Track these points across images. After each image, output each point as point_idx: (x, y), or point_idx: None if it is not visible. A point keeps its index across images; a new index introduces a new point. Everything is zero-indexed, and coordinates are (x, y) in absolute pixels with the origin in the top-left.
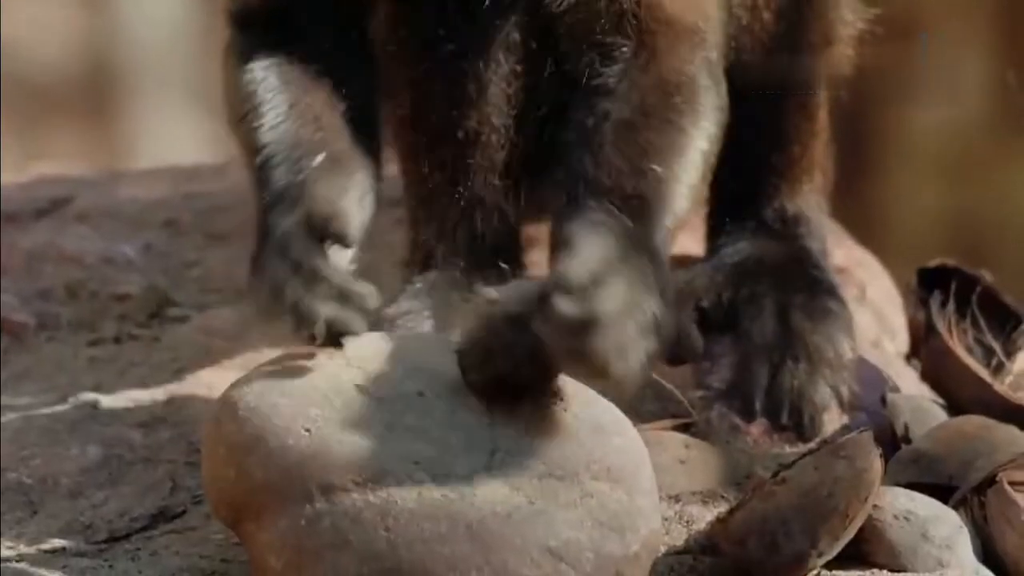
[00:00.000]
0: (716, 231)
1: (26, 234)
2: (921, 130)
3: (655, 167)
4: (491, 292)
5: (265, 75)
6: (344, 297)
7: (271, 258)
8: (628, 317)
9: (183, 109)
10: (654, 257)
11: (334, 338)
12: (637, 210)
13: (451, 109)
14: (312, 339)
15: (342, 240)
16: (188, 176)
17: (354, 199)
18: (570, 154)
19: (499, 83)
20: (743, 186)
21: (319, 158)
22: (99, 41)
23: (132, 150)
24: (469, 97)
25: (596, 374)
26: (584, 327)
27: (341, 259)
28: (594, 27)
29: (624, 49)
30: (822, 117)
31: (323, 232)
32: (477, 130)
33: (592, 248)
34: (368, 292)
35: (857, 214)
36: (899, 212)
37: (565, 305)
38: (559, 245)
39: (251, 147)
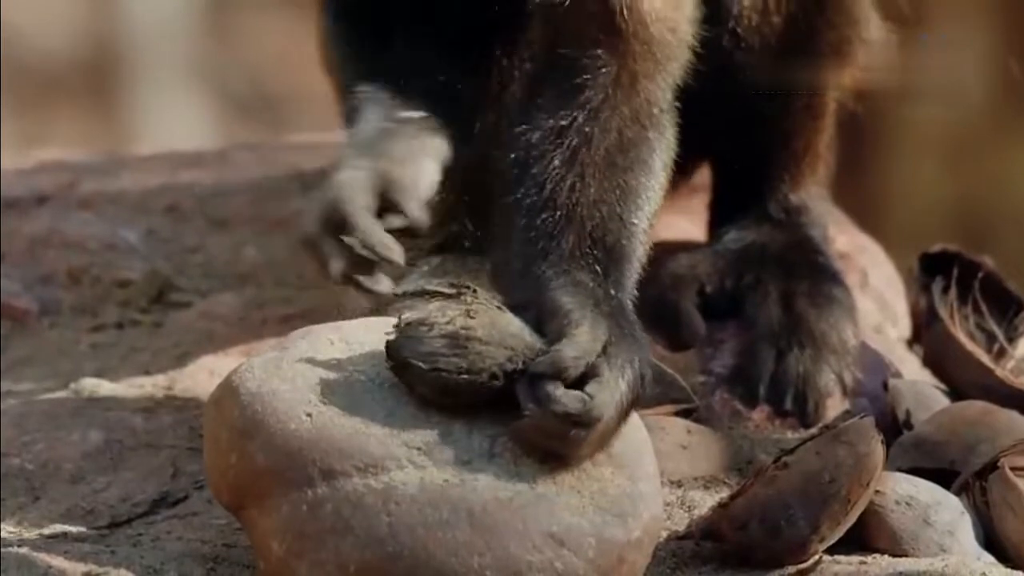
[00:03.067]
0: (719, 218)
1: (28, 220)
2: (922, 116)
3: (633, 217)
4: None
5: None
6: (367, 256)
7: (324, 193)
8: (617, 410)
9: (185, 93)
10: (626, 312)
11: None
12: (616, 263)
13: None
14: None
15: (397, 207)
16: (190, 161)
17: (424, 171)
18: (549, 176)
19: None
20: (748, 177)
21: (408, 115)
22: (101, 26)
23: (134, 135)
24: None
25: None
26: (576, 421)
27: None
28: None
29: (604, 69)
30: (829, 115)
31: (383, 192)
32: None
33: (583, 329)
34: (395, 253)
35: (859, 200)
36: (901, 198)
37: (563, 398)
38: (547, 313)
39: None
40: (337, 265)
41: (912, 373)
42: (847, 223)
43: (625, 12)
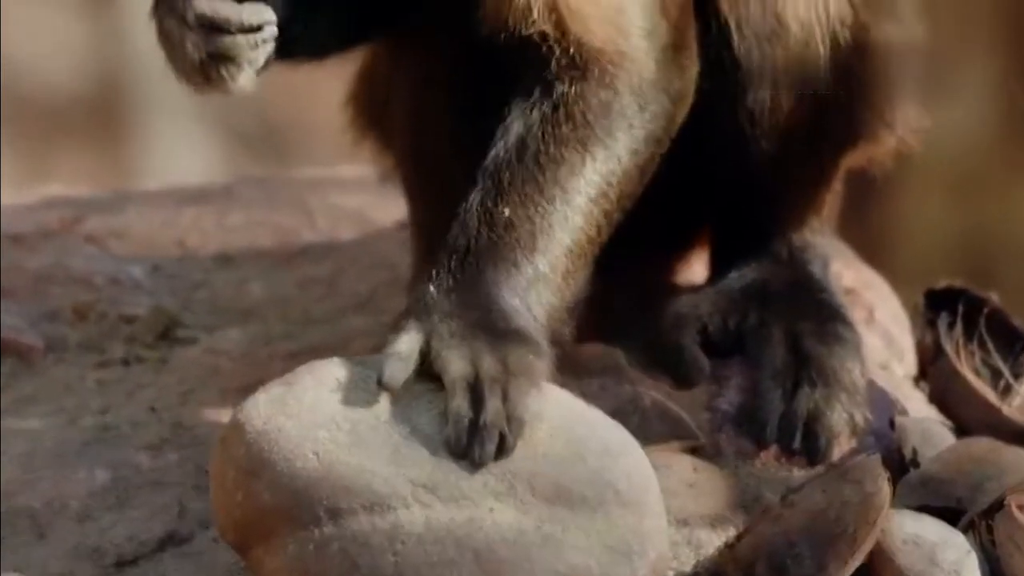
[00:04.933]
0: (721, 256)
1: (33, 255)
2: (928, 151)
3: (541, 233)
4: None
5: None
6: (220, 29)
7: (162, 12)
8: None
9: (191, 128)
10: (499, 317)
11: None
12: (509, 274)
13: (455, 133)
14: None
15: None
16: (196, 196)
17: None
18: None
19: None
20: (752, 218)
21: None
22: (106, 60)
23: (140, 169)
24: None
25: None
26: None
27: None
28: (524, 56)
29: (537, 84)
30: (842, 166)
31: None
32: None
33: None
34: (249, 18)
35: (865, 235)
36: (907, 233)
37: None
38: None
39: None
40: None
41: (918, 410)
42: (853, 258)
43: (554, 35)
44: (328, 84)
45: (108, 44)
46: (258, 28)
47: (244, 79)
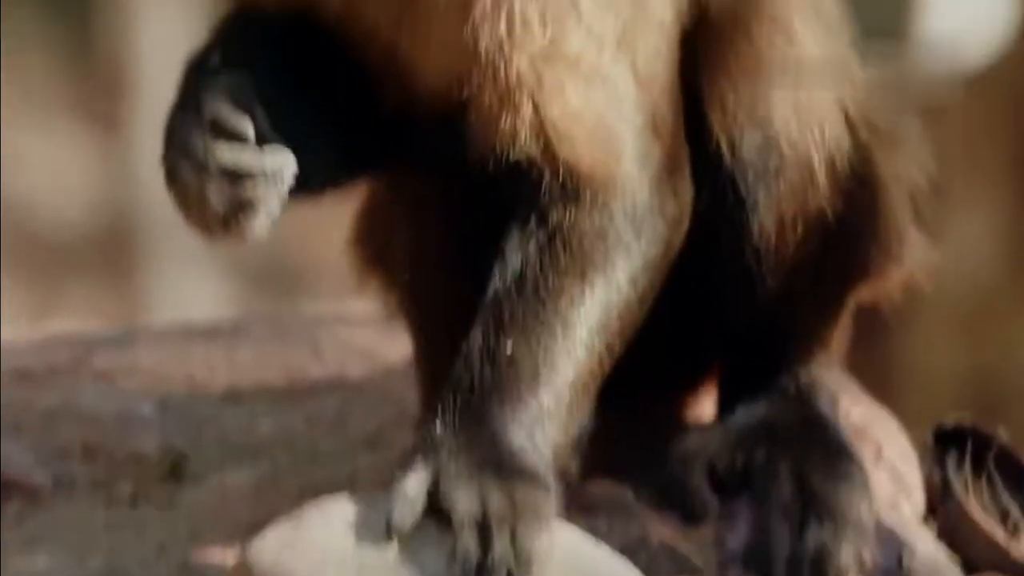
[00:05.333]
0: (729, 392)
1: (42, 392)
2: (937, 287)
3: (542, 367)
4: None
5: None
6: (241, 178)
7: (176, 160)
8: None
9: (200, 264)
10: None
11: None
12: (514, 408)
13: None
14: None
15: (238, 137)
16: (205, 332)
17: (249, 94)
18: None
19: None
20: (758, 353)
21: (213, 60)
22: (115, 195)
23: (149, 305)
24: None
25: None
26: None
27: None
28: (516, 183)
29: (531, 213)
30: (849, 301)
31: (219, 133)
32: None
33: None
34: (272, 165)
35: (874, 371)
36: (915, 370)
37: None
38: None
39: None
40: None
41: (927, 547)
42: (861, 394)
43: (543, 159)
44: (335, 219)
45: (117, 179)
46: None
47: (261, 225)
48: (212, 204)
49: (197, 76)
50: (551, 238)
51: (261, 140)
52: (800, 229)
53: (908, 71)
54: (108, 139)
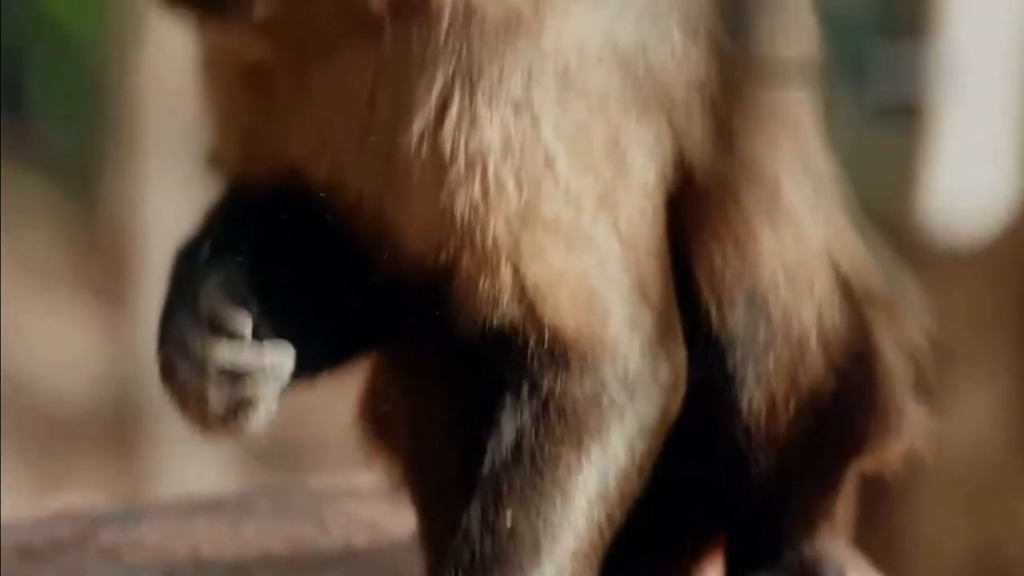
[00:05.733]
0: (734, 565)
1: (45, 568)
2: (940, 459)
3: (543, 541)
4: None
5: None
6: (242, 376)
7: (173, 358)
8: None
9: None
10: None
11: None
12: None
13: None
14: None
15: (237, 335)
16: (210, 506)
17: (244, 287)
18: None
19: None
20: (760, 526)
21: (205, 251)
22: (119, 371)
23: (153, 479)
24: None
25: None
26: None
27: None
28: (504, 349)
29: (522, 380)
30: (848, 474)
31: (218, 331)
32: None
33: None
34: (272, 362)
35: (880, 543)
36: (922, 542)
37: None
38: None
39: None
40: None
41: None
42: (867, 568)
43: (527, 323)
44: (339, 393)
45: (121, 353)
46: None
47: (260, 421)
48: (211, 403)
49: (190, 267)
50: (544, 406)
51: (258, 334)
52: (792, 406)
53: (911, 240)
54: (112, 313)
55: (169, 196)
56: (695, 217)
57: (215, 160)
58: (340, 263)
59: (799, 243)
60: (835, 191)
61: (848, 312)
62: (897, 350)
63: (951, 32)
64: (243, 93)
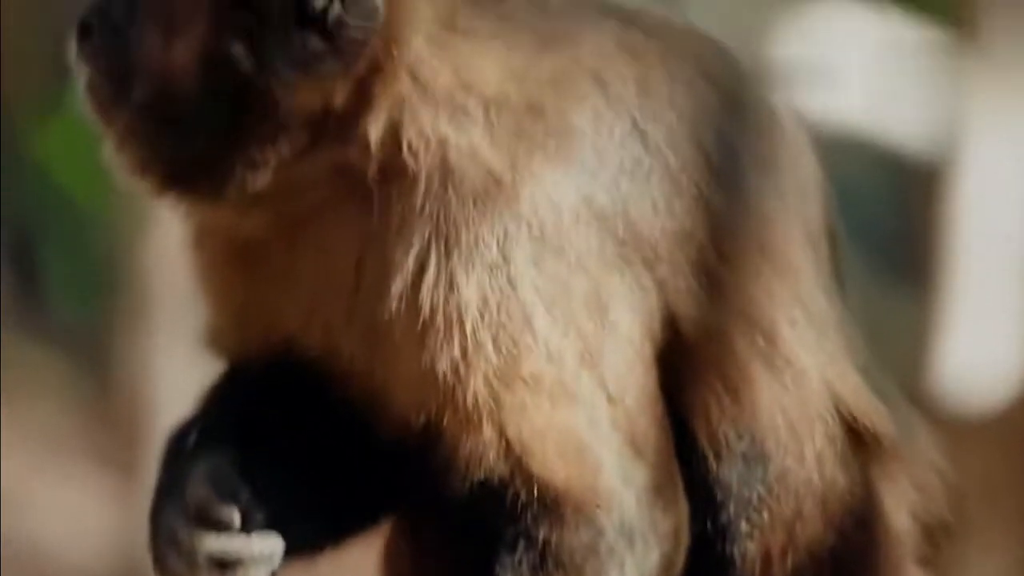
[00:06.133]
0: None
1: None
2: None
3: None
4: None
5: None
6: (231, 565)
7: (164, 549)
8: None
9: None
10: None
11: None
12: None
13: None
14: None
15: (225, 526)
16: None
17: (233, 477)
18: None
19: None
20: None
21: (192, 439)
22: (130, 541)
23: None
24: None
25: None
26: None
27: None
28: (497, 504)
29: (517, 533)
30: None
31: (205, 523)
32: None
33: None
34: (260, 550)
35: None
36: None
37: None
38: None
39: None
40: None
41: None
42: None
43: (517, 478)
44: (353, 556)
45: (130, 524)
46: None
47: None
48: None
49: (179, 456)
50: (542, 557)
51: (248, 520)
52: (789, 562)
53: (921, 407)
54: (122, 483)
55: (179, 367)
56: (688, 368)
57: (212, 341)
58: (336, 435)
59: (799, 386)
60: (839, 334)
61: (851, 463)
62: (903, 507)
63: (962, 202)
64: (234, 269)
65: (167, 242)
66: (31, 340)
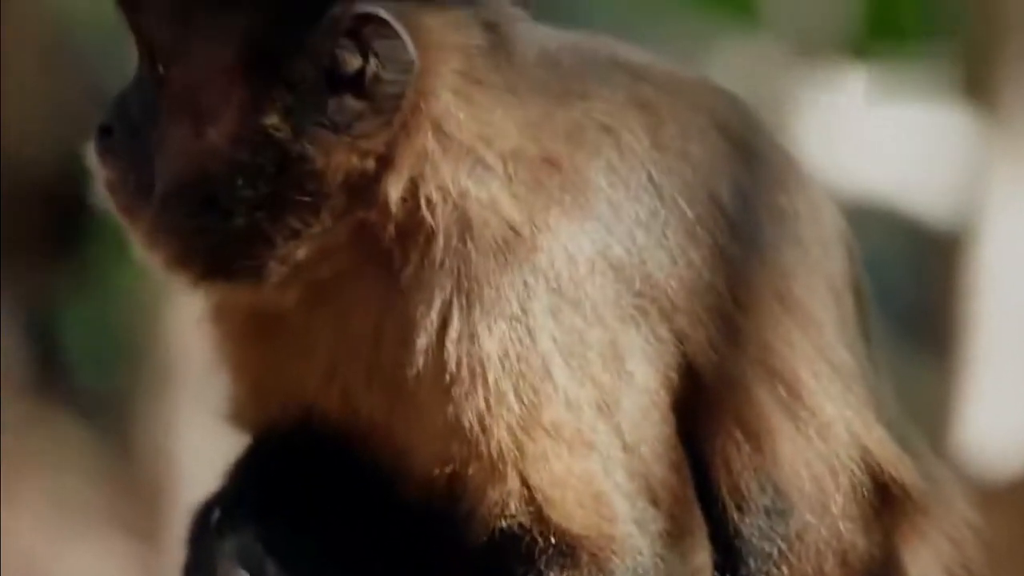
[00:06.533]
0: None
1: None
2: None
3: None
4: None
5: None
6: None
7: None
8: None
9: None
10: None
11: None
12: None
13: None
14: None
15: None
16: None
17: (260, 555)
18: None
19: None
20: None
21: (217, 515)
22: None
23: None
24: None
25: None
26: None
27: None
28: (514, 552)
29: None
30: None
31: None
32: None
33: None
34: None
35: None
36: None
37: None
38: None
39: None
40: None
41: None
42: None
43: (535, 526)
44: None
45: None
46: None
47: None
48: None
49: (205, 534)
50: None
51: None
52: None
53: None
54: (146, 551)
55: (201, 435)
56: (709, 417)
57: (233, 415)
58: (358, 500)
59: (824, 438)
60: (864, 387)
61: (876, 520)
62: (937, 564)
63: (982, 271)
64: (251, 341)
65: (189, 311)
66: (53, 408)
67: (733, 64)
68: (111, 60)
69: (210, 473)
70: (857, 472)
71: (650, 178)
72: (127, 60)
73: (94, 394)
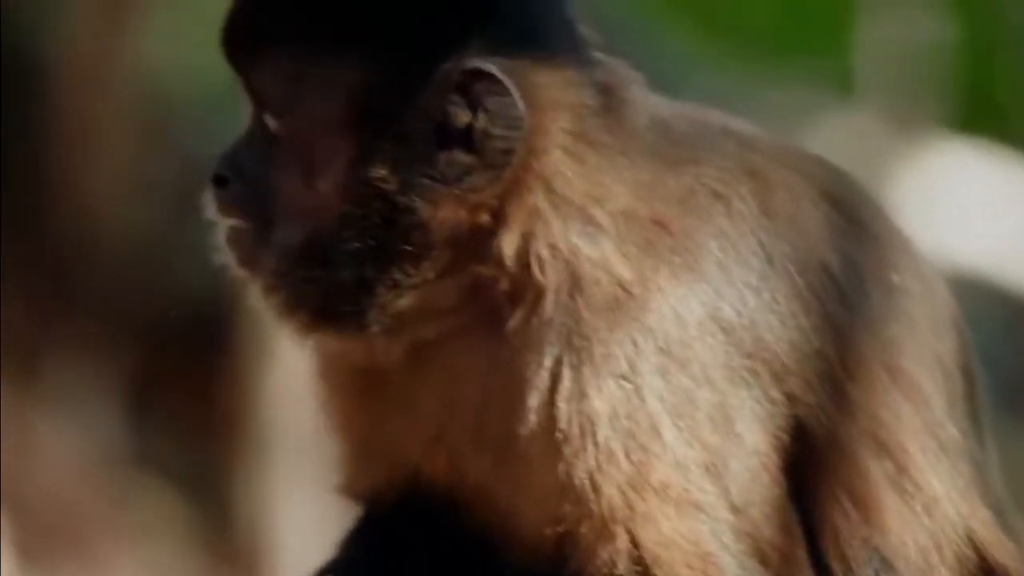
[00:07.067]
0: None
1: None
2: None
3: None
4: None
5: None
6: None
7: None
8: None
9: None
10: None
11: None
12: None
13: None
14: None
15: None
16: None
17: None
18: None
19: None
20: None
21: None
22: None
23: None
24: None
25: None
26: None
27: None
28: None
29: None
30: None
31: None
32: None
33: None
34: None
35: None
36: None
37: None
38: None
39: None
40: None
41: None
42: None
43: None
44: None
45: None
46: None
47: None
48: None
49: None
50: None
51: None
52: None
53: None
54: None
55: (300, 505)
56: (818, 483)
57: (343, 487)
58: (465, 566)
59: (930, 514)
60: (972, 468)
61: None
62: None
63: None
64: (357, 399)
65: (287, 379)
66: (149, 477)
67: (832, 136)
68: (210, 136)
69: (306, 543)
70: (963, 551)
71: (760, 244)
72: (224, 136)
73: (191, 463)
